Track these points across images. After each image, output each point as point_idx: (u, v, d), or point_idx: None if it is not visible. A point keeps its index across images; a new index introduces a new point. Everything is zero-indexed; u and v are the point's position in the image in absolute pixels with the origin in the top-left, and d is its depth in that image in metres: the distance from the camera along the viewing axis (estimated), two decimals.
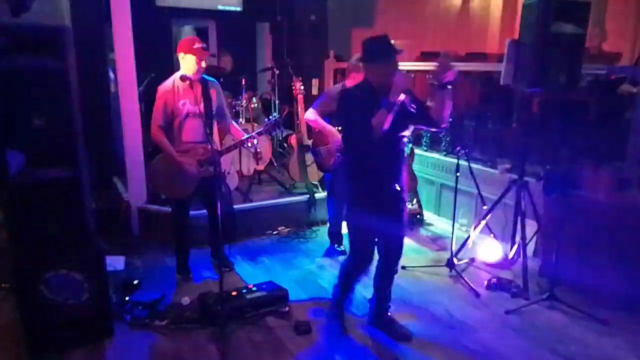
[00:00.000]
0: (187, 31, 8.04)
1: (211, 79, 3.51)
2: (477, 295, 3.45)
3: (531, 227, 3.76)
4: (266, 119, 3.48)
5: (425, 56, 5.86)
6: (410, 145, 4.80)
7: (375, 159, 2.64)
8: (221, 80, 5.68)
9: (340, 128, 3.41)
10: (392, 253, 2.91)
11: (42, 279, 2.63)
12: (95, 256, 2.81)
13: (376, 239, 2.84)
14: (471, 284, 3.53)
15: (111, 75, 5.31)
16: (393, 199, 2.75)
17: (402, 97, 2.50)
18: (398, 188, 2.74)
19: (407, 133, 2.75)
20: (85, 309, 2.77)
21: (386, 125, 2.46)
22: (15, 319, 2.90)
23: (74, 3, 4.48)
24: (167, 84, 3.36)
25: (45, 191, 2.57)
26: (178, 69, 3.39)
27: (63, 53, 2.52)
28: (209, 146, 3.16)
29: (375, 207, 2.69)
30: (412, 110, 2.60)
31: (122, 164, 4.55)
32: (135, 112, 4.40)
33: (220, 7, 6.76)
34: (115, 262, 3.73)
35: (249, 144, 3.50)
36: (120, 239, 4.26)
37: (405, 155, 2.91)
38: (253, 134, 3.50)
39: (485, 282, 3.59)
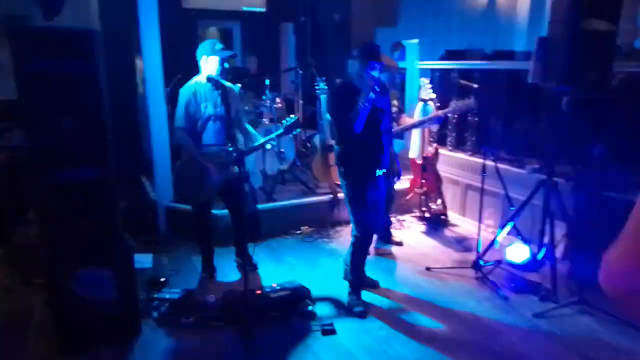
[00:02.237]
0: (211, 32, 8.14)
1: (229, 84, 3.53)
2: (505, 297, 3.39)
3: (560, 228, 3.67)
4: (284, 120, 3.52)
5: (450, 55, 5.79)
6: (434, 144, 4.75)
7: (358, 149, 3.10)
8: (245, 80, 5.76)
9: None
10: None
11: (72, 276, 2.70)
12: (124, 254, 2.87)
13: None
14: (498, 287, 3.48)
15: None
16: (377, 181, 3.23)
17: (371, 95, 2.96)
18: (381, 173, 3.21)
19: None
20: (114, 305, 2.83)
21: (362, 120, 2.97)
22: (46, 314, 2.99)
23: (103, 6, 4.59)
24: (189, 86, 3.40)
25: (76, 190, 2.63)
26: None
27: (93, 56, 2.58)
28: (232, 147, 3.19)
29: (366, 187, 3.16)
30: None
31: (150, 163, 4.63)
32: (163, 113, 4.48)
33: (244, 9, 6.81)
34: (143, 260, 3.81)
35: (269, 146, 3.53)
36: (148, 237, 4.34)
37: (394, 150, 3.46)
38: (272, 136, 3.52)
39: (513, 285, 3.52)
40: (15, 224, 4.10)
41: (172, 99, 5.02)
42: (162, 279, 3.53)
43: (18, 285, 3.52)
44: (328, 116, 4.00)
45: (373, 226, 3.31)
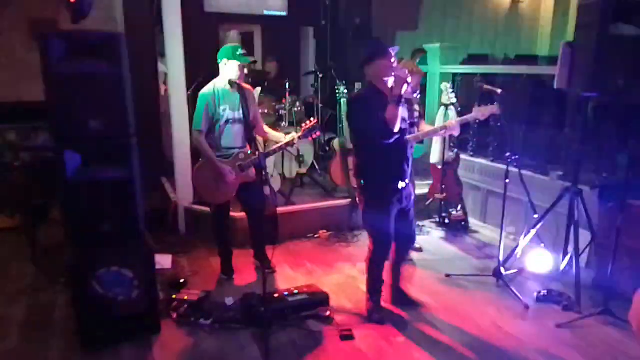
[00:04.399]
0: (232, 36, 8.21)
1: (247, 87, 3.54)
2: (526, 307, 3.32)
3: (584, 237, 3.59)
4: (303, 124, 3.52)
5: (472, 59, 5.74)
6: (455, 150, 4.70)
7: (383, 160, 2.90)
8: (265, 83, 5.79)
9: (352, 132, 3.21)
10: (403, 240, 3.24)
11: (94, 275, 2.74)
12: (145, 254, 2.90)
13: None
14: (520, 295, 3.41)
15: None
16: (399, 193, 3.01)
17: (405, 88, 2.70)
18: (403, 185, 3.01)
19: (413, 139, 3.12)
20: (135, 305, 2.86)
21: (399, 118, 2.71)
22: (69, 312, 3.04)
23: (127, 10, 4.66)
24: (208, 89, 3.43)
25: (99, 190, 2.67)
26: None
27: (118, 58, 2.61)
28: (253, 150, 3.21)
29: (387, 201, 2.98)
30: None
31: (171, 165, 4.68)
32: (184, 114, 4.52)
33: (266, 12, 6.85)
34: (163, 261, 3.85)
35: (289, 148, 3.54)
36: (168, 238, 4.38)
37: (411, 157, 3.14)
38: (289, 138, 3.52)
39: (535, 294, 3.45)
40: (40, 223, 4.19)
41: (192, 102, 5.08)
42: (182, 280, 3.56)
43: (42, 283, 3.58)
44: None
45: (391, 241, 3.10)
